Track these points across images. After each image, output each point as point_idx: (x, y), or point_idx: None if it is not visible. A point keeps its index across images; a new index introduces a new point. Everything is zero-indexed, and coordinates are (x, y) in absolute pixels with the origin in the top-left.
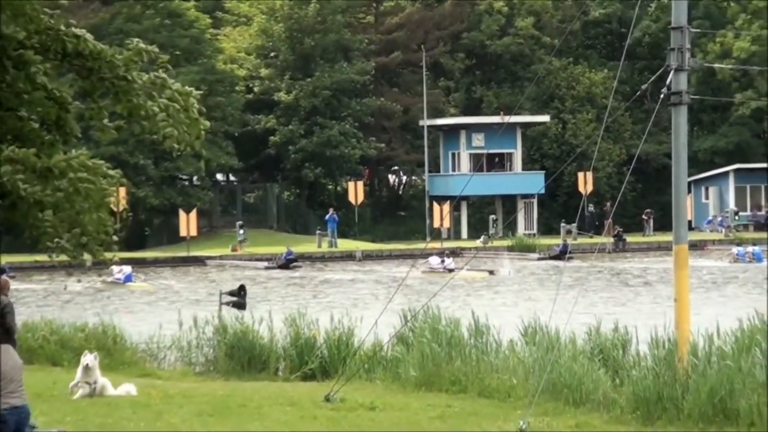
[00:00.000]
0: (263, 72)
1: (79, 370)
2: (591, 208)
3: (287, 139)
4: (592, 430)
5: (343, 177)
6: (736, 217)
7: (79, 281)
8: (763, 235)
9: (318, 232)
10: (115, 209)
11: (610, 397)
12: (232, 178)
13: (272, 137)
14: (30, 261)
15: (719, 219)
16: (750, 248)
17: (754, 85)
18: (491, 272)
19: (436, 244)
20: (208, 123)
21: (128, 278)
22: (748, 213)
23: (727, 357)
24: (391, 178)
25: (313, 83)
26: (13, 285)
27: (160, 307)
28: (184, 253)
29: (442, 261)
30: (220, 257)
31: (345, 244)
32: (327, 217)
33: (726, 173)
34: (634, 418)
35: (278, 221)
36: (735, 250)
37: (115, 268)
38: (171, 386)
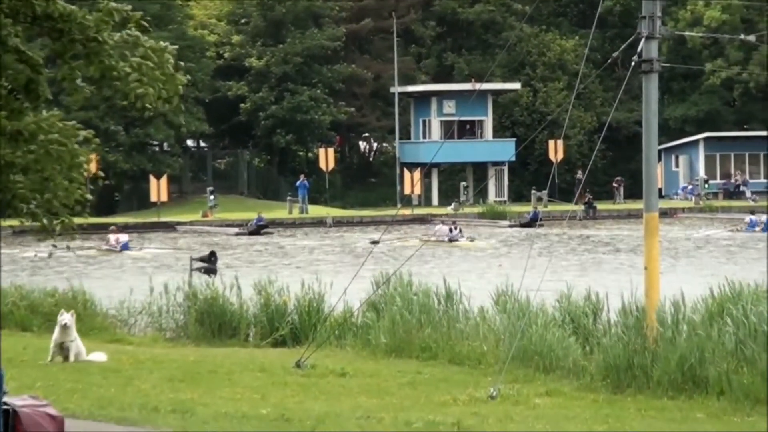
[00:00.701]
0: (234, 38)
1: (56, 330)
2: (579, 174)
3: (258, 105)
4: (562, 398)
5: (313, 143)
6: (706, 186)
7: (55, 246)
8: (732, 203)
9: (289, 198)
10: (87, 174)
11: (580, 365)
12: (202, 144)
13: (243, 104)
14: (5, 226)
15: (690, 187)
16: (764, 217)
17: (724, 54)
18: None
19: (407, 211)
20: (185, 79)
21: (125, 246)
22: (718, 181)
23: (697, 325)
24: (362, 144)
25: (285, 50)
26: None
27: (139, 273)
28: (154, 219)
29: (450, 231)
30: (191, 223)
31: (315, 211)
32: (298, 183)
33: (696, 141)
34: (604, 385)
35: (249, 187)
36: (748, 218)
37: (111, 237)
38: (141, 352)
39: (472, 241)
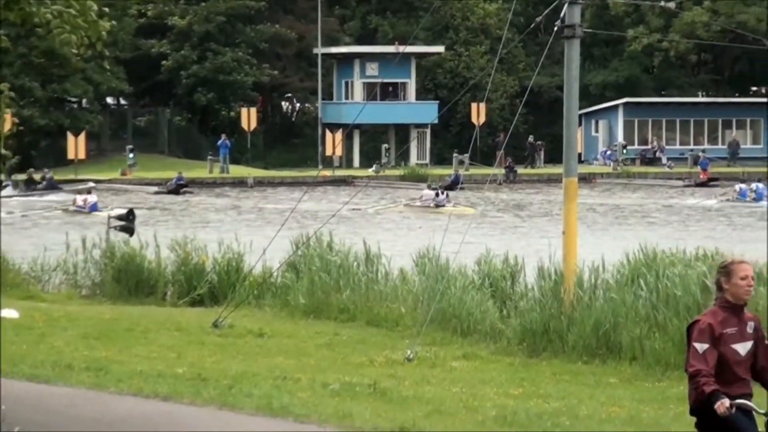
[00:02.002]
0: None
1: None
2: (531, 139)
3: (180, 64)
4: (479, 361)
5: (236, 103)
6: (624, 151)
7: None
8: (649, 169)
9: (209, 157)
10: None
11: (497, 328)
12: (122, 102)
13: (165, 62)
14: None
15: (608, 153)
16: (754, 185)
17: (645, 21)
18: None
19: (328, 172)
20: (108, 25)
21: (94, 207)
22: (636, 147)
23: (613, 290)
24: (285, 105)
25: (207, 8)
26: None
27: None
28: (72, 176)
29: (437, 195)
30: (110, 181)
31: (237, 171)
32: (219, 142)
33: (615, 107)
34: (520, 349)
35: (169, 146)
36: (738, 187)
37: (78, 197)
38: (55, 309)
39: (455, 206)
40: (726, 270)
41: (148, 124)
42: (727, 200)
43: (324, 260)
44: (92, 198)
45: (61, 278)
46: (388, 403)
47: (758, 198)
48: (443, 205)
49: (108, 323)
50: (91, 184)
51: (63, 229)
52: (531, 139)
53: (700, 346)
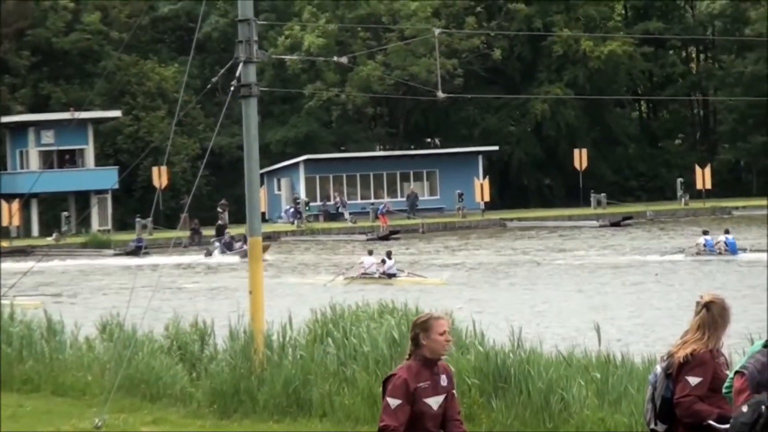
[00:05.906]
0: None
1: None
2: (299, 196)
3: None
4: (169, 425)
5: None
6: (308, 208)
7: None
8: (333, 224)
9: None
10: None
11: (187, 392)
12: None
13: None
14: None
15: (291, 210)
16: (722, 237)
17: (322, 77)
18: None
19: (6, 243)
20: None
21: None
22: (319, 203)
23: (302, 348)
24: None
25: None
26: None
27: None
28: None
29: (382, 262)
30: None
31: None
32: None
33: (296, 164)
34: (211, 411)
35: None
36: (702, 239)
37: None
38: None
39: (411, 276)
40: (424, 325)
41: None
42: (701, 253)
43: (5, 331)
44: None
45: None
46: None
47: (732, 250)
48: (395, 275)
49: None
50: None
51: None
52: (299, 196)
53: (393, 401)
